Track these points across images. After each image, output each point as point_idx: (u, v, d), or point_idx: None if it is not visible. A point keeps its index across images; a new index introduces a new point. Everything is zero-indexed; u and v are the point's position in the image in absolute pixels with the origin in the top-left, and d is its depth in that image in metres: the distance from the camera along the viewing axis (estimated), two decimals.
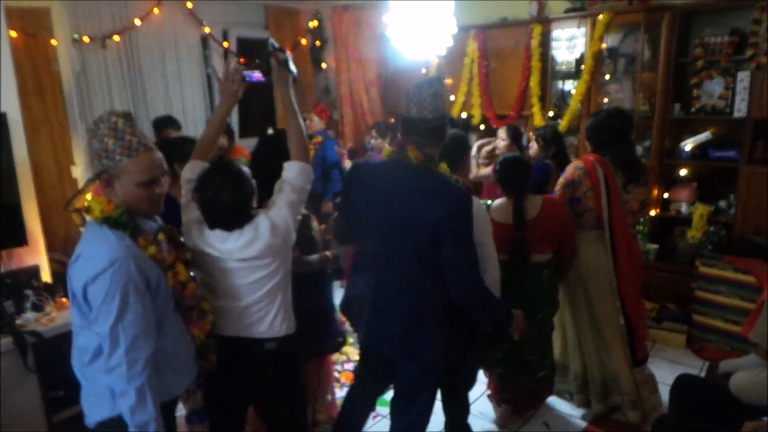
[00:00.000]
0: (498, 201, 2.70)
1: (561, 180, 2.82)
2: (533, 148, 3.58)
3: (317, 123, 4.77)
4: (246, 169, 1.87)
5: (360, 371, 2.30)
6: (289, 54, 2.04)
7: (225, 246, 1.79)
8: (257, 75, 2.07)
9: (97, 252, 1.45)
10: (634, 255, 2.87)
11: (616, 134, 2.83)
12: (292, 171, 1.90)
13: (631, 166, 2.87)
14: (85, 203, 1.57)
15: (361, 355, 2.24)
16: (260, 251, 1.79)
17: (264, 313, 1.86)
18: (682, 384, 2.39)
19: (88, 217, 1.55)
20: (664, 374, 3.28)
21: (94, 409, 1.56)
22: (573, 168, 2.79)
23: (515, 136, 3.82)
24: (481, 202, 2.54)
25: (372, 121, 5.55)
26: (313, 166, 4.51)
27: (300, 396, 2.16)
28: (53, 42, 3.68)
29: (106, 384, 1.50)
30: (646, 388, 2.92)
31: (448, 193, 1.82)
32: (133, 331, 1.44)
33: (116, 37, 4.14)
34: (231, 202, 1.76)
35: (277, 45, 2.03)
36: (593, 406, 2.95)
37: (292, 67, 2.03)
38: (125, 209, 1.54)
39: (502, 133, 3.85)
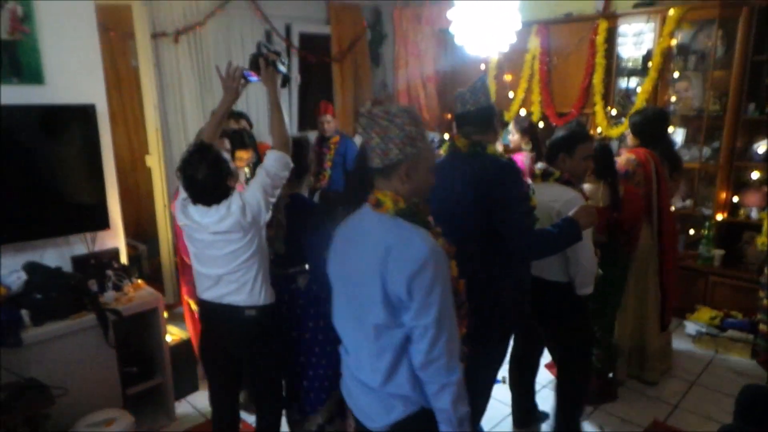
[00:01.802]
0: (588, 185, 2.79)
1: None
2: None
3: (333, 122, 4.55)
4: (225, 154, 2.08)
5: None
6: (284, 56, 2.22)
7: (203, 220, 2.04)
8: (255, 74, 2.23)
9: (411, 243, 1.37)
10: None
11: (662, 130, 3.21)
12: (270, 159, 2.11)
13: (673, 157, 3.22)
14: (373, 200, 1.49)
15: None
16: (231, 226, 2.01)
17: (241, 282, 2.10)
18: (748, 394, 2.32)
19: (379, 212, 1.46)
20: (725, 384, 3.19)
21: (385, 411, 1.47)
22: (626, 160, 3.01)
23: (524, 129, 3.76)
24: None
25: (429, 116, 5.57)
26: (333, 165, 4.49)
27: (277, 364, 2.33)
28: (132, 37, 3.90)
29: (405, 382, 1.42)
30: (665, 352, 3.35)
31: (489, 167, 2.01)
32: (452, 320, 1.39)
33: (188, 33, 4.34)
34: (206, 180, 1.98)
35: (270, 47, 2.21)
36: (617, 372, 3.20)
37: (282, 68, 2.21)
38: (414, 202, 1.49)
39: (511, 127, 3.80)
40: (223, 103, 2.25)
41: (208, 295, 2.18)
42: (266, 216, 2.10)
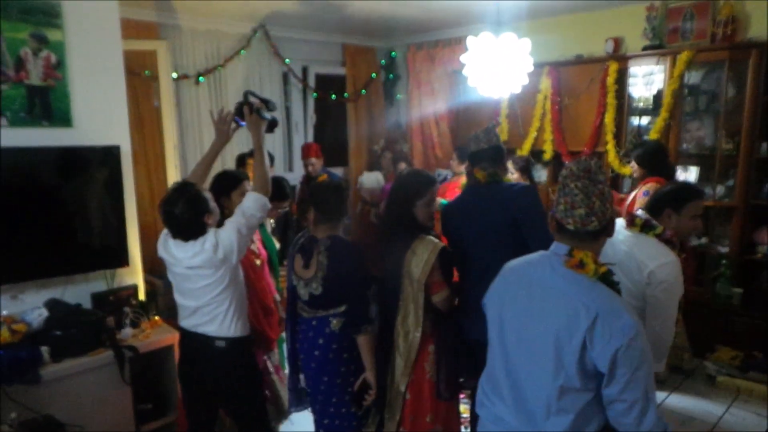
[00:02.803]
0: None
1: (642, 200, 3.15)
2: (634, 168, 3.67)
3: (318, 163, 4.62)
4: (206, 193, 2.17)
5: None
6: (272, 104, 2.36)
7: (179, 254, 2.13)
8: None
9: (620, 315, 1.34)
10: None
11: (664, 159, 3.46)
12: (248, 200, 2.22)
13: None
14: (575, 260, 1.43)
15: None
16: (203, 262, 2.11)
17: (213, 315, 2.19)
18: None
19: (579, 273, 1.41)
20: (747, 427, 3.11)
21: None
22: (653, 190, 3.07)
23: (521, 168, 3.93)
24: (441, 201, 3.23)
25: (441, 154, 5.65)
26: None
27: (257, 400, 2.39)
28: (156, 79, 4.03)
29: None
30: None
31: (511, 189, 2.32)
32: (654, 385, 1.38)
33: (208, 75, 4.49)
34: (182, 216, 2.08)
35: (258, 95, 2.34)
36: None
37: (266, 114, 2.33)
38: (609, 264, 1.46)
39: (509, 166, 3.89)
40: (213, 145, 2.41)
41: (185, 323, 2.28)
42: (239, 255, 2.18)
